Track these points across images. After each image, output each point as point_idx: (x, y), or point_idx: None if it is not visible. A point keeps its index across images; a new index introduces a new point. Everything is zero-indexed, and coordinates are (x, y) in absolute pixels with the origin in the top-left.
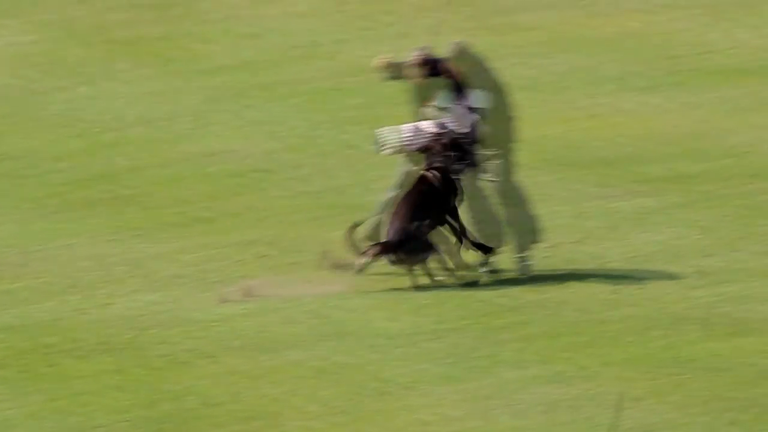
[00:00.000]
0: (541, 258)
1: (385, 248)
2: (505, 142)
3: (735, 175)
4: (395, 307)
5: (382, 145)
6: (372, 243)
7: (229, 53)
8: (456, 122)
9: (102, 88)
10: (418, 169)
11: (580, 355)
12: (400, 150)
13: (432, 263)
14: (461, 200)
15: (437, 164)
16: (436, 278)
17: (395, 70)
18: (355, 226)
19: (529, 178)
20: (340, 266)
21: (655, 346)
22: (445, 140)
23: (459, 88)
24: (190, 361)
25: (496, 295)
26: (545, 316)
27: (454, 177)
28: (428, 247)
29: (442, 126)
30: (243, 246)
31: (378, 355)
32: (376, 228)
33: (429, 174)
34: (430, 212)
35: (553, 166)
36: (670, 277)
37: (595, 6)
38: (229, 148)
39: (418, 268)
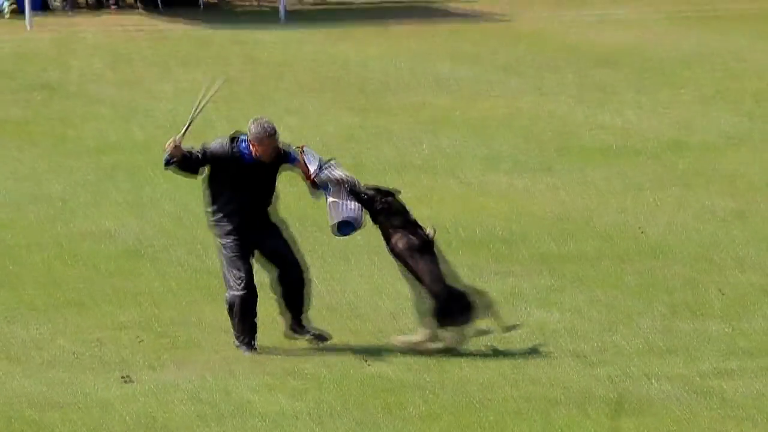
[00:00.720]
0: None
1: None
2: None
3: (605, 258)
4: (277, 389)
5: (357, 223)
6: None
7: (96, 135)
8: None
9: None
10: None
11: None
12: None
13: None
14: None
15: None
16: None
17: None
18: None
19: None
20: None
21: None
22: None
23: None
24: None
25: (397, 373)
26: (448, 394)
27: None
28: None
29: (348, 183)
30: (116, 329)
31: None
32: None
33: (426, 232)
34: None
35: None
36: (545, 359)
37: (460, 90)
38: (99, 230)
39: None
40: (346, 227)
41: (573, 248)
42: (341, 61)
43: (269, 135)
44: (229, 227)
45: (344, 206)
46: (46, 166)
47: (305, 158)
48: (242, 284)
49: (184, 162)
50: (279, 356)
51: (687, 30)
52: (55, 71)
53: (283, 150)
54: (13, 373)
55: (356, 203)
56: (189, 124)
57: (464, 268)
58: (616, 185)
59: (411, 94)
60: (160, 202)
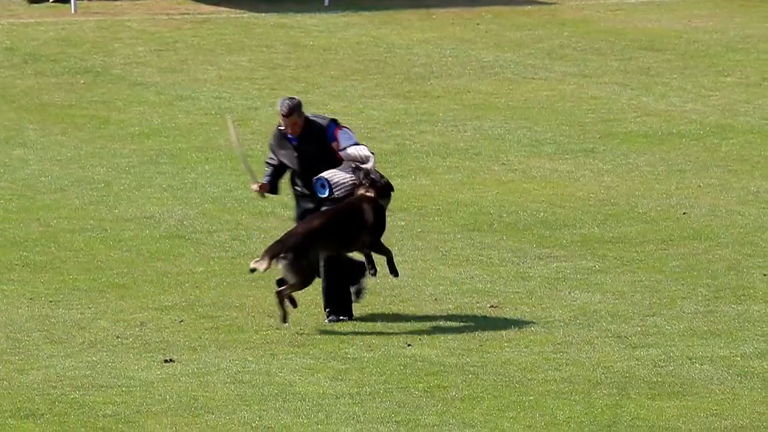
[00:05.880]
0: (465, 324)
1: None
2: None
3: (648, 242)
4: (319, 371)
5: (332, 190)
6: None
7: (140, 120)
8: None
9: (12, 155)
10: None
11: (525, 415)
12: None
13: None
14: None
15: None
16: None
17: None
18: None
19: (441, 243)
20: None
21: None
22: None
23: None
24: (111, 427)
25: (441, 355)
26: (489, 376)
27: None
28: None
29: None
30: (159, 312)
31: (302, 420)
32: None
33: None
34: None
35: (464, 232)
36: (588, 342)
37: (503, 74)
38: (142, 214)
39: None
40: (321, 189)
41: (616, 232)
42: (385, 46)
43: (282, 114)
44: (298, 210)
45: (339, 175)
46: (90, 150)
47: (340, 136)
48: None
49: (274, 187)
50: (321, 338)
51: (732, 14)
52: (99, 56)
53: (319, 125)
54: (57, 355)
55: (350, 178)
56: (247, 168)
57: (507, 251)
58: (660, 169)
59: (455, 78)
60: (203, 186)
